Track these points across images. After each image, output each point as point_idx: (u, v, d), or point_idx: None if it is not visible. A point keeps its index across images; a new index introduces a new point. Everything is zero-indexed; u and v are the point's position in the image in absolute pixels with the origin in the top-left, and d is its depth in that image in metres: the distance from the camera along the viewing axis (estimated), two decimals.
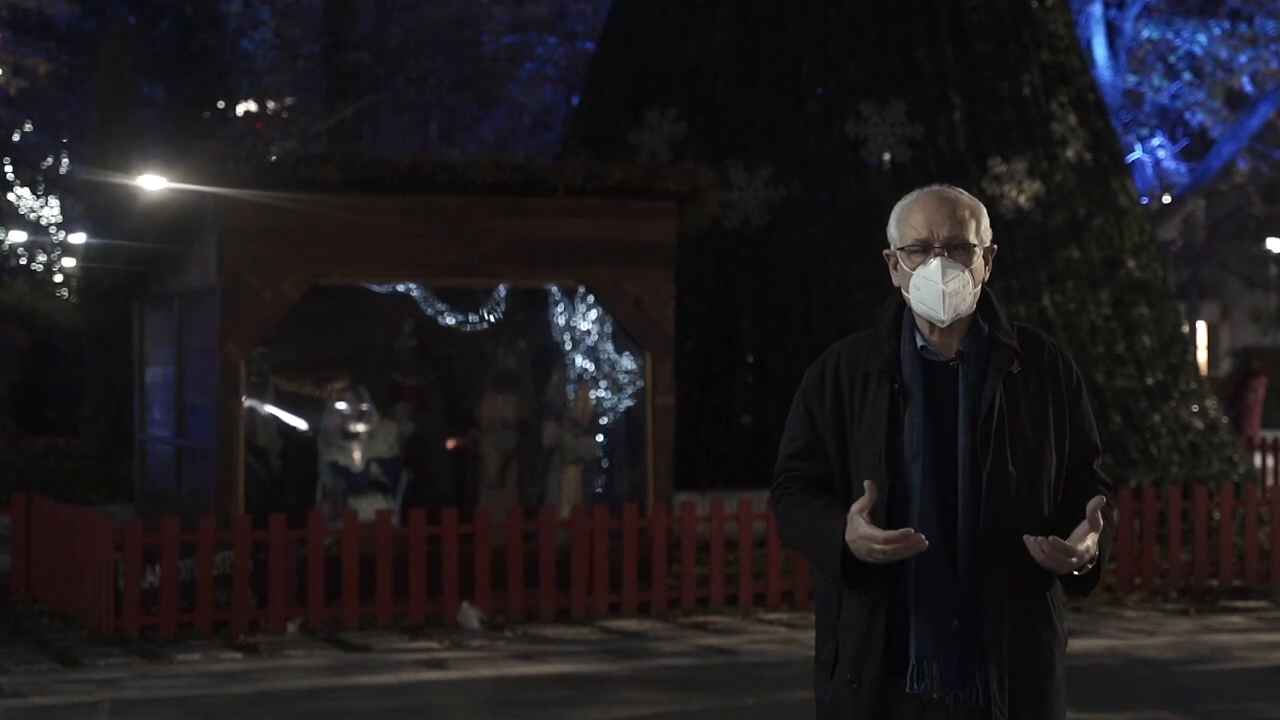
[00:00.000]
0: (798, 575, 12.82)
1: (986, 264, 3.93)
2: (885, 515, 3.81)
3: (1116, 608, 12.98)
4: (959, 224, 3.87)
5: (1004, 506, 3.81)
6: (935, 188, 3.95)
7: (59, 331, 24.82)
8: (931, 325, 3.90)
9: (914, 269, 3.88)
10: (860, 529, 3.74)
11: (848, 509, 3.81)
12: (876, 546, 3.72)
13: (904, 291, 3.92)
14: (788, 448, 4.03)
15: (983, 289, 3.94)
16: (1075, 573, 3.85)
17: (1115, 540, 4.08)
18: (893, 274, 3.97)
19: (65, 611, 12.19)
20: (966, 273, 3.85)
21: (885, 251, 3.99)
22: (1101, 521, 3.82)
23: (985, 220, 3.94)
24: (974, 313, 3.92)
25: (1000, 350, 3.89)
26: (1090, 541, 3.80)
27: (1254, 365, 25.81)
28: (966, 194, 3.95)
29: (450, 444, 14.71)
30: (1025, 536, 3.77)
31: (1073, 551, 3.77)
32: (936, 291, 3.83)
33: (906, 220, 3.92)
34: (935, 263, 3.84)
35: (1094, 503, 3.81)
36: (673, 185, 13.44)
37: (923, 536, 3.72)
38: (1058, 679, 3.93)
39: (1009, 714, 3.82)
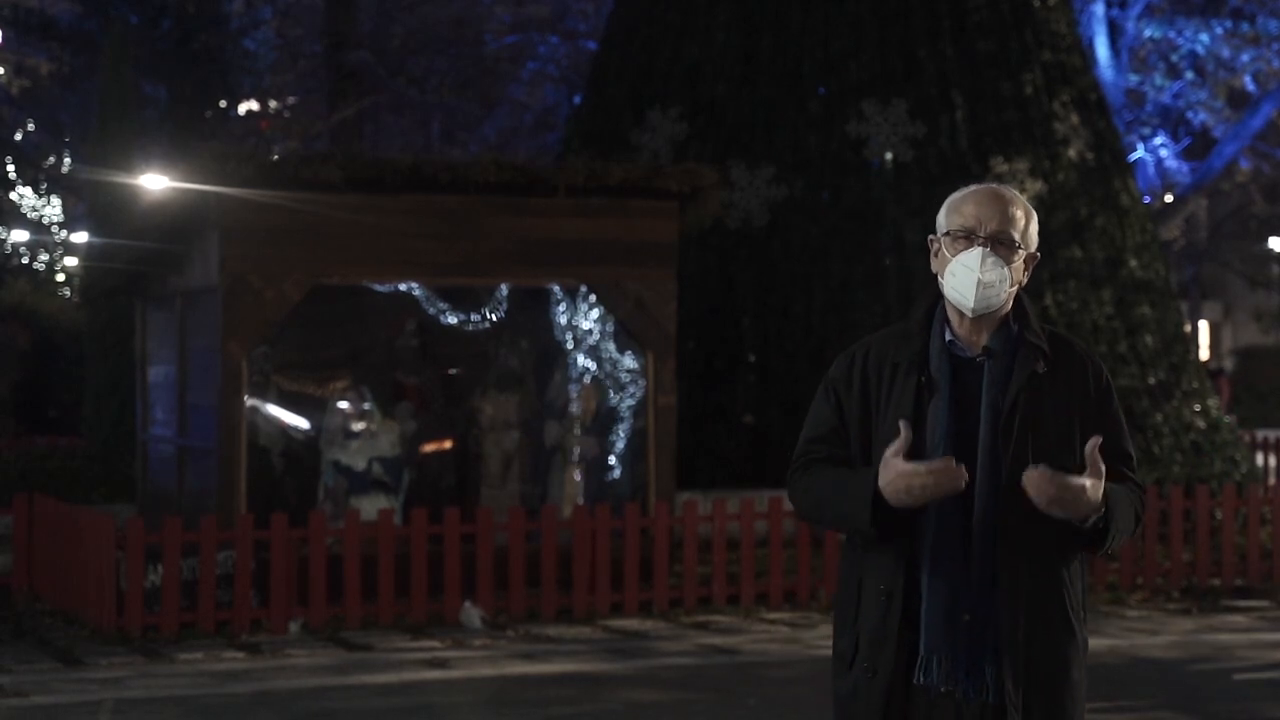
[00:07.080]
0: (800, 575, 12.82)
1: (1026, 269, 3.96)
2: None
3: (1119, 607, 12.99)
4: (1007, 220, 3.91)
5: (1022, 501, 3.77)
6: (994, 185, 3.99)
7: (60, 331, 24.78)
8: (961, 318, 3.92)
9: (954, 255, 3.90)
10: (899, 466, 3.74)
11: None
12: (918, 480, 3.70)
13: (940, 278, 3.95)
14: (811, 431, 4.03)
15: (1018, 292, 3.97)
16: (1083, 525, 3.80)
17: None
18: (932, 260, 4.00)
19: (67, 611, 12.19)
20: (1005, 269, 3.88)
21: (930, 237, 4.02)
22: (1102, 467, 3.77)
23: (1035, 226, 3.97)
24: (1005, 313, 3.94)
25: (1027, 348, 3.91)
26: (1090, 484, 3.75)
27: (1212, 365, 26.04)
28: (1022, 198, 3.99)
29: (430, 447, 14.65)
30: (1025, 472, 3.74)
31: (1065, 486, 3.71)
32: (972, 279, 3.86)
33: (957, 209, 3.95)
34: (976, 250, 3.88)
35: (1091, 443, 3.78)
36: (674, 185, 13.43)
37: (963, 469, 3.71)
38: (1074, 683, 3.88)
39: (1021, 714, 3.78)
